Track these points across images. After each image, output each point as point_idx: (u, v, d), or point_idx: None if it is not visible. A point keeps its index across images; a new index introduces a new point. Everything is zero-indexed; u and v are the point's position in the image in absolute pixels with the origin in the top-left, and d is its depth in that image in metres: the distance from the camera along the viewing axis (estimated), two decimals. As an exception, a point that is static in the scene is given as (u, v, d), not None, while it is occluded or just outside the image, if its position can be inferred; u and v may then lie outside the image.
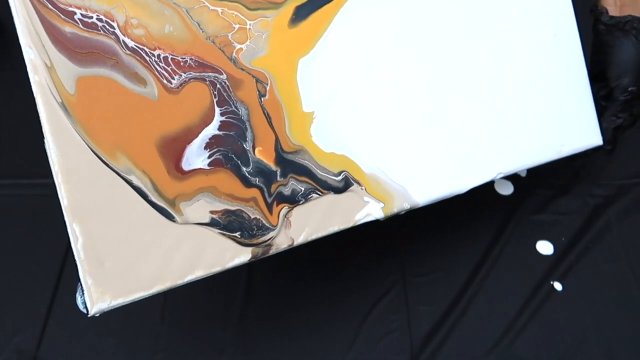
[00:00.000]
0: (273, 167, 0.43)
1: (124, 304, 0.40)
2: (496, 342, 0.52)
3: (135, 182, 0.40)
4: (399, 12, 0.44)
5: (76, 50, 0.38)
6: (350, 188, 0.45)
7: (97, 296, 0.39)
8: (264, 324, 0.54)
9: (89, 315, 0.39)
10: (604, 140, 0.50)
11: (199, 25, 0.41)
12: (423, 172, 0.46)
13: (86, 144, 0.39)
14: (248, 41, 0.42)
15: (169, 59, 0.40)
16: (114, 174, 0.39)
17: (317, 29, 0.43)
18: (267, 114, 0.43)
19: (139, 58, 0.40)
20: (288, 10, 0.43)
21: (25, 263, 0.57)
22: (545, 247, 0.58)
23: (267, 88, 0.42)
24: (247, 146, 0.42)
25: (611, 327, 0.52)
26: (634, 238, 0.58)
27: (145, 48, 0.40)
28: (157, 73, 0.40)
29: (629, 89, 0.49)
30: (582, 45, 0.49)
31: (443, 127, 0.46)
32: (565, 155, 0.49)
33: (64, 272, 0.56)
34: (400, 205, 0.46)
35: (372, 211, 0.45)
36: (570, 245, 0.58)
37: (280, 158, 0.43)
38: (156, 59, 0.40)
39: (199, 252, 0.41)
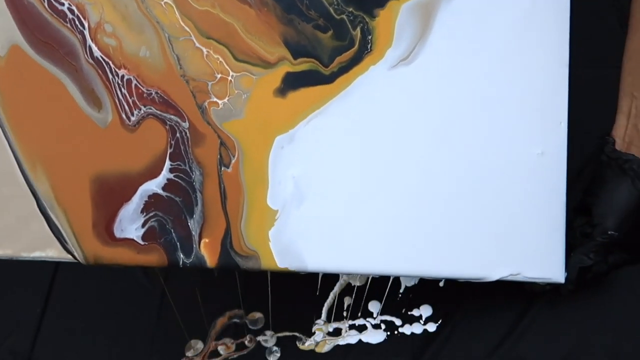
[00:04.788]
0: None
1: None
2: (499, 343, 0.51)
3: (54, 220, 0.35)
4: (392, 115, 0.39)
5: (34, 30, 0.34)
6: None
7: None
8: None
9: None
10: (566, 278, 0.44)
11: (177, 59, 0.36)
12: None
13: None
14: (226, 98, 0.36)
15: (133, 85, 0.35)
16: None
17: (304, 107, 0.37)
18: (224, 191, 0.36)
19: (101, 72, 0.35)
20: (277, 74, 0.37)
21: (19, 263, 0.57)
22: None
23: (233, 161, 0.36)
24: (193, 229, 0.36)
25: (615, 328, 0.51)
26: None
27: (110, 63, 0.35)
28: (117, 100, 0.35)
29: (609, 232, 0.44)
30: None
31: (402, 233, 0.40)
32: (517, 280, 0.43)
33: (58, 273, 0.56)
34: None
35: None
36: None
37: (226, 257, 0.36)
38: (119, 81, 0.35)
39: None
